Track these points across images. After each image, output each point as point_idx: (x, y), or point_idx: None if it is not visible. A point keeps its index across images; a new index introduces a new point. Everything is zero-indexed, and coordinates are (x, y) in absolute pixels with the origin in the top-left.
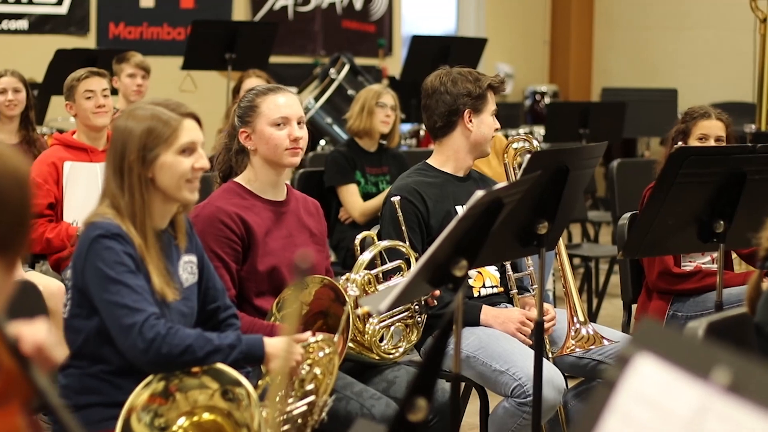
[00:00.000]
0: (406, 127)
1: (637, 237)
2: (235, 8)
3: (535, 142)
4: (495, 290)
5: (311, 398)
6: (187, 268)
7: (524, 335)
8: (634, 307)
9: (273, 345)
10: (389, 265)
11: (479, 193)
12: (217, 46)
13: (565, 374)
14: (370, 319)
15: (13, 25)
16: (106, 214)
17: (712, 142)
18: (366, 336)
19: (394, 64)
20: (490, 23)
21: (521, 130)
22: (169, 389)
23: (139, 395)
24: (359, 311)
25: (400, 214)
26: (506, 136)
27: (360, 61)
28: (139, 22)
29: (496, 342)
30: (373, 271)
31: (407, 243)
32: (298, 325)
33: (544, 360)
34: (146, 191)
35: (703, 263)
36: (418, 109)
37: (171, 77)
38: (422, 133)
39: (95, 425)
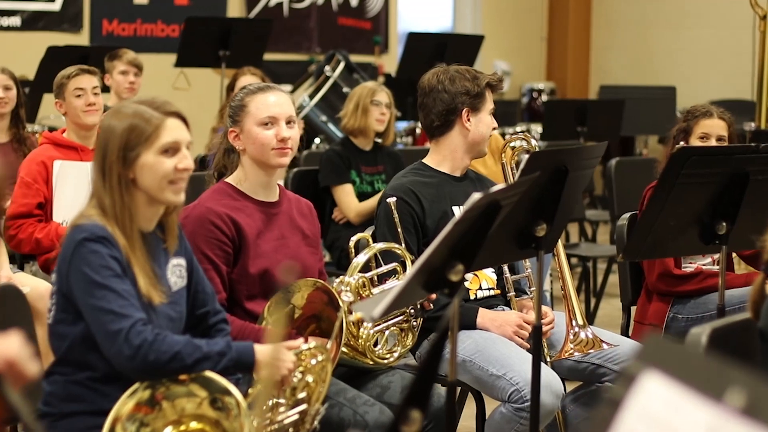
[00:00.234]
0: (402, 125)
1: (637, 239)
2: (229, 5)
3: (534, 142)
4: (491, 292)
5: (303, 407)
6: (176, 271)
7: (522, 339)
8: (633, 309)
9: (264, 352)
10: (384, 268)
11: (476, 196)
12: (210, 43)
13: (564, 378)
14: (365, 323)
15: (6, 21)
16: (91, 215)
17: (713, 142)
18: (360, 340)
19: (390, 62)
20: (486, 20)
21: (518, 129)
22: (155, 398)
23: (125, 404)
24: (352, 318)
25: (395, 215)
26: (503, 135)
27: (356, 58)
28: (133, 18)
29: (493, 346)
30: (368, 274)
31: (403, 245)
32: (284, 337)
33: (542, 365)
34: (127, 192)
35: (703, 264)
36: (414, 107)
37: (165, 75)
38: (418, 131)
39: None
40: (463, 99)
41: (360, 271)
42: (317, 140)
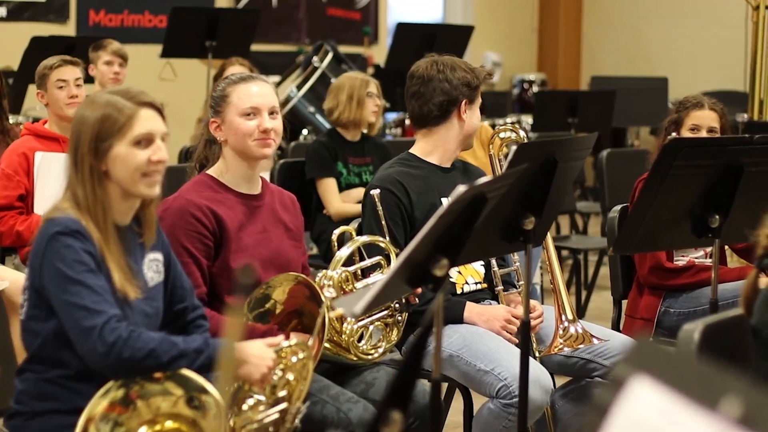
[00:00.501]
0: (392, 117)
1: (628, 232)
2: None
3: (522, 133)
4: (479, 287)
5: (283, 405)
6: (152, 266)
7: (510, 333)
8: (624, 303)
9: (243, 350)
10: (368, 262)
11: (461, 188)
12: (197, 33)
13: (553, 373)
14: (348, 318)
15: None
16: (65, 208)
17: (704, 133)
18: (343, 336)
19: (380, 53)
20: (477, 11)
21: (509, 120)
22: (129, 396)
23: (98, 404)
24: (333, 314)
25: (380, 208)
26: (493, 126)
27: (345, 49)
28: (120, 9)
29: (481, 340)
30: (351, 268)
31: (388, 238)
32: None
33: (531, 360)
34: (100, 185)
35: (696, 257)
36: (403, 98)
37: (152, 65)
38: (407, 122)
39: None
40: (464, 90)
41: (343, 265)
42: (305, 131)
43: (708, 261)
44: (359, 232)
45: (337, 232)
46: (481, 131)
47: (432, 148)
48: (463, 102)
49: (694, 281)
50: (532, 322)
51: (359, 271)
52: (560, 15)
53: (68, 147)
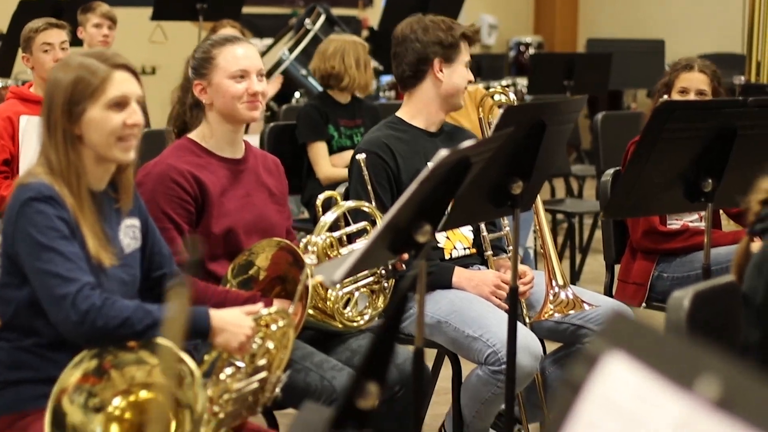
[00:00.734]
0: (386, 79)
1: (619, 196)
2: None
3: (512, 95)
4: (467, 252)
5: (263, 374)
6: (129, 232)
7: (499, 299)
8: (617, 267)
9: (220, 318)
10: (353, 227)
11: (443, 152)
12: None
13: (543, 339)
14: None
15: None
16: (38, 174)
17: (692, 96)
18: (328, 303)
19: (374, 15)
20: None
21: (504, 82)
22: (103, 366)
23: (70, 375)
24: (312, 281)
25: (366, 172)
26: (487, 89)
27: (340, 11)
28: None
29: (470, 306)
30: (336, 234)
31: (374, 203)
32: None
33: (520, 326)
34: (73, 149)
35: (690, 221)
36: None
37: (142, 28)
38: None
39: (28, 403)
40: (436, 49)
41: (328, 231)
42: (297, 94)
43: (702, 224)
44: (346, 197)
45: (321, 197)
46: (476, 93)
47: (415, 111)
48: (437, 61)
49: (687, 245)
50: (522, 288)
51: (345, 237)
52: None
53: (41, 110)
